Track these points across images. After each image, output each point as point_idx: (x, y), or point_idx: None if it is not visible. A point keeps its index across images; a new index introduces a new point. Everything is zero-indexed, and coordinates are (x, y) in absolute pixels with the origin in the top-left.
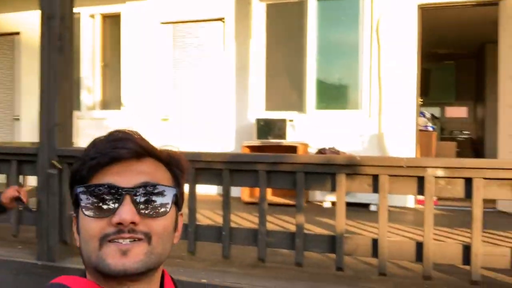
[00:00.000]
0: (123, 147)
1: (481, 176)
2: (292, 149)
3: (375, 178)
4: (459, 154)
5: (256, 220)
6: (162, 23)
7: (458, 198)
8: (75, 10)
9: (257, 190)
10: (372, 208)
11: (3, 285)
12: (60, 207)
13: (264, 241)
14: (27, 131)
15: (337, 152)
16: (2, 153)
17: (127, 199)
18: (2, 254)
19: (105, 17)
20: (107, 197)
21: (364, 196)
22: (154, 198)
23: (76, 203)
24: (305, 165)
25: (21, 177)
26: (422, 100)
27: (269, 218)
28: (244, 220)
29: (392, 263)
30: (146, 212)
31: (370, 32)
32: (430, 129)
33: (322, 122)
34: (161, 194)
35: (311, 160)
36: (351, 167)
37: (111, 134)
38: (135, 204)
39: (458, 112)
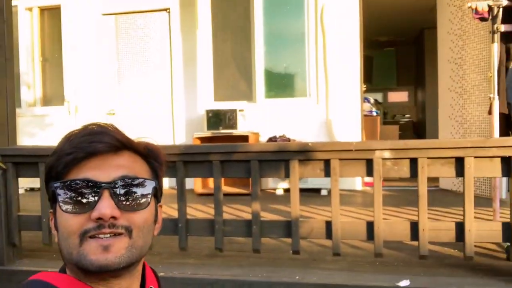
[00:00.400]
0: (99, 141)
1: (425, 156)
2: (244, 138)
3: (327, 162)
4: (401, 137)
5: (210, 210)
6: (104, 14)
7: (404, 178)
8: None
9: (210, 181)
10: (323, 192)
11: None
12: (6, 209)
13: (221, 231)
14: None
15: (288, 140)
16: None
17: (106, 194)
18: None
19: (44, 9)
20: (86, 192)
21: (315, 181)
22: (133, 191)
23: (53, 199)
24: (259, 153)
25: None
26: (365, 86)
27: (222, 208)
28: (198, 211)
29: (345, 244)
30: (126, 205)
31: (315, 21)
32: (374, 114)
33: (272, 110)
34: (140, 186)
35: (264, 148)
36: (304, 153)
37: (86, 128)
38: (114, 198)
39: (399, 96)
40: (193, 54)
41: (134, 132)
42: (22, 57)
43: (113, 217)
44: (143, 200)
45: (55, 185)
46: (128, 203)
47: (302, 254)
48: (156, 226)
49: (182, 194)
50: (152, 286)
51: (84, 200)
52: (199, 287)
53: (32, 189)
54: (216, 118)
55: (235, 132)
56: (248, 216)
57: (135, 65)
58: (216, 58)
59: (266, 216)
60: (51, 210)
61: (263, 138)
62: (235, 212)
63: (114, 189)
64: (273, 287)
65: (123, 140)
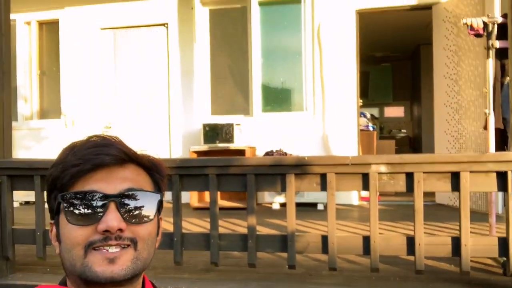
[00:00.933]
0: (106, 153)
1: (421, 170)
2: (240, 152)
3: (323, 176)
4: (398, 152)
5: (206, 224)
6: (102, 28)
7: (400, 193)
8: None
9: (206, 195)
10: (320, 207)
11: None
12: (0, 222)
13: (216, 245)
14: None
15: (284, 154)
16: None
17: (112, 206)
18: None
19: (42, 23)
20: (92, 204)
21: (312, 196)
22: (139, 204)
23: (57, 210)
24: (255, 167)
25: None
26: (362, 101)
27: (218, 222)
28: (194, 225)
29: (341, 258)
30: (132, 218)
31: (311, 37)
32: (371, 129)
33: (269, 124)
34: (146, 199)
35: (261, 162)
36: (300, 167)
37: (90, 139)
38: (121, 210)
39: (395, 111)
40: (190, 68)
41: (131, 146)
42: (20, 71)
43: (120, 229)
44: (148, 213)
45: (61, 196)
46: (134, 215)
47: (298, 268)
48: (158, 239)
49: (177, 207)
50: None
51: (90, 212)
52: None
53: (27, 203)
54: (213, 132)
55: (231, 146)
56: (244, 230)
57: (132, 79)
58: (214, 72)
59: (262, 230)
60: (52, 221)
61: (260, 152)
62: (230, 226)
63: (121, 202)
64: None
65: (128, 152)
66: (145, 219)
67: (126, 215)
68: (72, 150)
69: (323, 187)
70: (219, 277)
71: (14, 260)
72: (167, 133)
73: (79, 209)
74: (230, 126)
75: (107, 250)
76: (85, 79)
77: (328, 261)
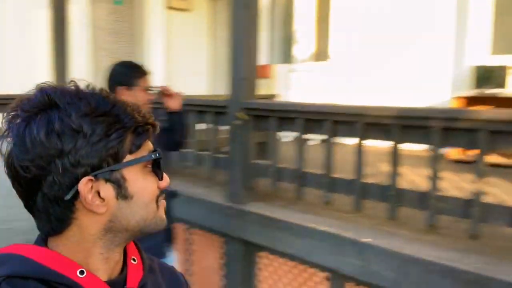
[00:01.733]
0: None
1: None
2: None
3: None
4: None
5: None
6: None
7: None
8: None
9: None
10: None
11: (199, 219)
12: (244, 157)
13: (434, 207)
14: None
15: None
16: (202, 105)
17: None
18: (200, 193)
19: None
20: (159, 161)
21: None
22: None
23: (118, 163)
24: (488, 122)
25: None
26: None
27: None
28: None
29: None
30: None
31: None
32: None
33: None
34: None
35: (497, 117)
36: None
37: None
38: None
39: None
40: None
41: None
42: (298, 16)
43: None
44: None
45: (135, 147)
46: None
47: None
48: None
49: (396, 158)
50: (134, 257)
51: (158, 168)
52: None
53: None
54: (484, 76)
55: (502, 92)
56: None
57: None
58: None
59: None
60: (91, 177)
61: None
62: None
63: None
64: (487, 282)
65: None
66: None
67: None
68: (125, 111)
69: None
70: (437, 241)
71: (256, 190)
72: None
73: (153, 166)
74: (502, 69)
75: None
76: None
77: None
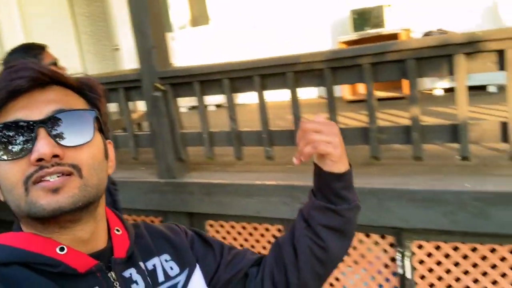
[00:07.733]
0: (21, 76)
1: None
2: (393, 37)
3: (500, 53)
4: None
5: (362, 118)
6: None
7: None
8: None
9: (359, 87)
10: (491, 89)
11: (137, 203)
12: (171, 128)
13: (376, 138)
14: (129, 61)
15: (445, 33)
16: (109, 82)
17: (42, 132)
18: (129, 176)
19: None
20: (19, 135)
21: (479, 77)
22: (72, 124)
23: None
24: (416, 50)
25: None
26: None
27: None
28: (349, 119)
29: None
30: (67, 141)
31: None
32: None
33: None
34: (79, 118)
35: (422, 44)
36: (471, 45)
37: (5, 68)
38: (53, 135)
39: None
40: None
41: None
42: None
43: (56, 156)
44: (85, 132)
45: None
46: (69, 138)
47: (472, 159)
48: (110, 164)
49: (331, 102)
50: (118, 228)
51: (20, 145)
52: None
53: (194, 107)
54: (361, 18)
55: (383, 31)
56: (404, 121)
57: None
58: None
59: (426, 119)
60: None
61: (417, 34)
62: (389, 117)
63: (50, 126)
64: (439, 196)
65: (47, 73)
66: (82, 140)
67: (59, 139)
68: None
69: (501, 66)
70: (381, 171)
71: (188, 161)
72: (310, 24)
73: (7, 144)
74: (379, 8)
75: (48, 181)
76: None
77: (509, 151)
